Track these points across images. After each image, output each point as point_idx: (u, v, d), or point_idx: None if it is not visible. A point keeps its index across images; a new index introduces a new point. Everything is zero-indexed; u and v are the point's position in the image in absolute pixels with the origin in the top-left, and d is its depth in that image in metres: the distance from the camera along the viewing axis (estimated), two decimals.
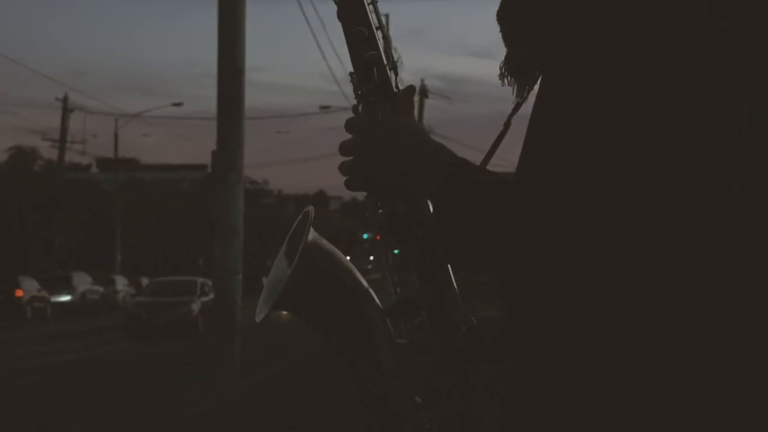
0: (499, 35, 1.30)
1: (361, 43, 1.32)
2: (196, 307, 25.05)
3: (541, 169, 1.16)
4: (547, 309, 1.15)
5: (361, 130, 1.27)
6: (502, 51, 1.33)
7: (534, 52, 1.24)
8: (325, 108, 36.58)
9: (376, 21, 1.34)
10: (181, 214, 46.07)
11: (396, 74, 1.34)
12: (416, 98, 1.47)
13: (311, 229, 1.33)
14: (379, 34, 1.33)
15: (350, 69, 1.34)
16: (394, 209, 1.30)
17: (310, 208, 1.37)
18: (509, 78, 1.30)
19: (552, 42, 1.19)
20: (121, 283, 40.74)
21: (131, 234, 42.74)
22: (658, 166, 1.08)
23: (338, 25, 1.35)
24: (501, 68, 1.30)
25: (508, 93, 1.36)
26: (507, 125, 1.34)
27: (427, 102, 31.08)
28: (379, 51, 1.32)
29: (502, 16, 1.28)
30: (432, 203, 1.28)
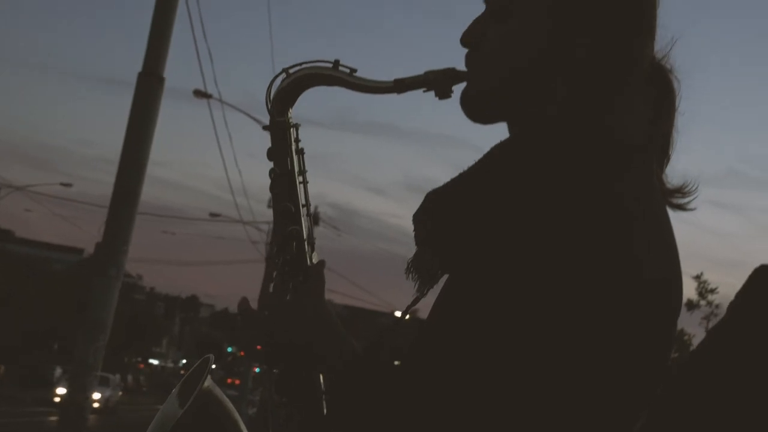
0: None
1: (286, 218, 1.44)
2: None
3: (431, 365, 1.22)
4: None
5: (272, 310, 1.37)
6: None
7: (442, 256, 1.34)
8: (215, 215, 36.34)
9: (303, 199, 1.47)
10: (47, 294, 44.45)
11: (312, 249, 1.46)
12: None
13: (208, 376, 1.42)
14: (304, 211, 1.46)
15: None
16: (287, 372, 1.40)
17: (210, 356, 1.45)
18: (414, 274, 1.42)
19: (459, 250, 1.30)
20: None
21: None
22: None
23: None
24: (408, 263, 1.41)
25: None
26: (405, 314, 1.45)
27: (317, 229, 31.25)
28: (301, 227, 1.45)
29: (419, 219, 1.40)
30: (324, 380, 1.38)
